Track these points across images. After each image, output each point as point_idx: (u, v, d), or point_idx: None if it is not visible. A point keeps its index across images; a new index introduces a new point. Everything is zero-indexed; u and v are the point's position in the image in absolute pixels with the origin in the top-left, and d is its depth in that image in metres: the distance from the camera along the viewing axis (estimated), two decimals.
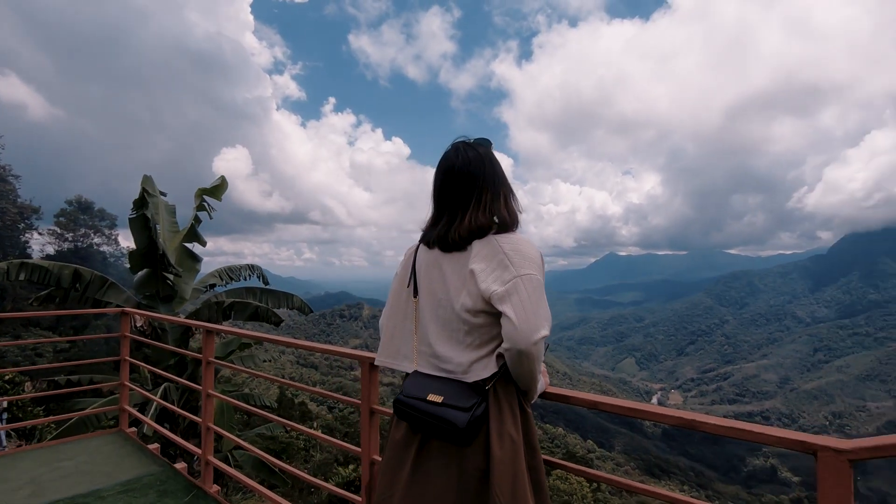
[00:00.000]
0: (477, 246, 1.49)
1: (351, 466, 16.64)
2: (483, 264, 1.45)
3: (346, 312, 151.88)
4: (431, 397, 1.45)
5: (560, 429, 60.18)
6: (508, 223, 1.54)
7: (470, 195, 1.54)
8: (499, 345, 1.46)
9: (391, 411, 2.58)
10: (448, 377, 1.49)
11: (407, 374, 1.63)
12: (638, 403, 1.63)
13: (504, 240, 1.47)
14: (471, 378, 1.46)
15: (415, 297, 1.61)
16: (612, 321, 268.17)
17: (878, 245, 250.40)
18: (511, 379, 1.47)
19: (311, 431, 2.69)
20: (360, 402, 2.36)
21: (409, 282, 1.64)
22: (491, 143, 1.64)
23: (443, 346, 1.51)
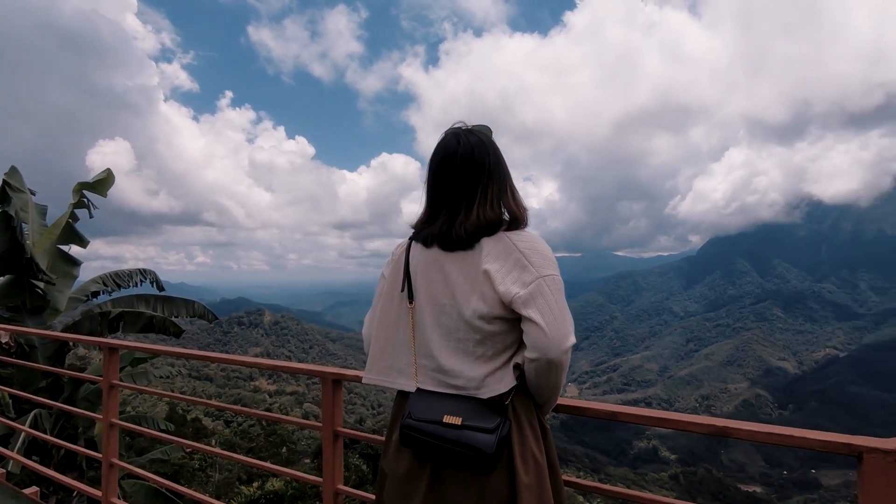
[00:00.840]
0: (487, 244, 1.30)
1: (255, 483, 15.47)
2: (497, 264, 1.27)
3: (246, 319, 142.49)
4: (448, 419, 1.23)
5: None
6: (519, 218, 1.36)
7: (475, 186, 1.34)
8: (513, 354, 1.30)
9: (362, 434, 2.29)
10: (458, 394, 1.29)
11: (405, 392, 1.40)
12: (660, 412, 1.46)
13: (517, 237, 1.30)
14: (485, 394, 1.26)
15: (410, 302, 1.39)
16: None
17: (735, 247, 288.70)
18: (528, 392, 1.32)
19: (280, 469, 2.35)
20: (321, 424, 2.08)
21: (403, 285, 1.42)
22: (491, 131, 1.45)
23: (449, 359, 1.30)
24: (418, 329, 1.37)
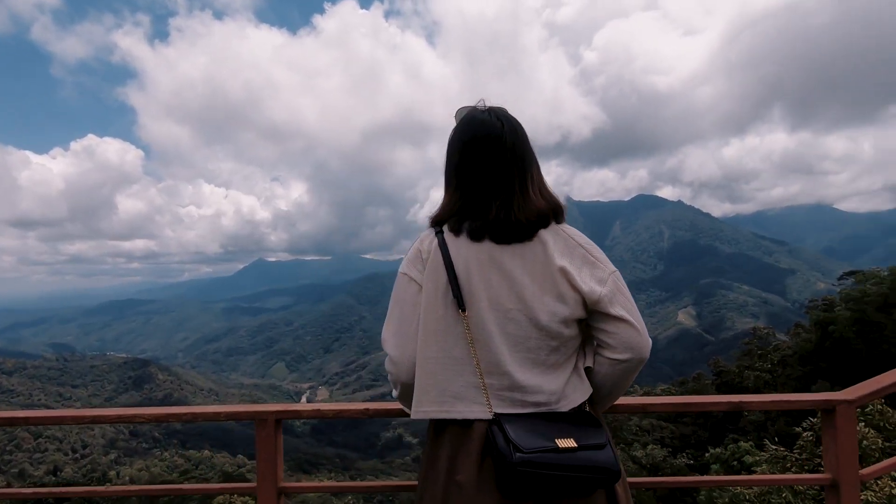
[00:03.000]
0: (546, 236, 1.17)
1: None
2: (567, 260, 1.15)
3: None
4: (562, 443, 1.05)
5: (206, 451, 54.93)
6: (562, 210, 1.23)
7: (525, 171, 1.19)
8: (579, 359, 1.20)
9: (311, 485, 2.04)
10: (538, 412, 1.13)
11: (464, 421, 1.13)
12: (688, 397, 1.68)
13: (570, 230, 1.20)
14: (565, 406, 1.15)
15: (463, 311, 1.14)
16: (261, 328, 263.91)
17: None
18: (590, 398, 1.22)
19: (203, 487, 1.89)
20: (255, 485, 1.61)
21: (451, 290, 1.15)
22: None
23: (525, 373, 1.13)
24: (480, 342, 1.14)
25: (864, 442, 5.51)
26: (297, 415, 1.75)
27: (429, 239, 1.22)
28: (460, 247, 1.17)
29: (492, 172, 1.18)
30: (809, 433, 6.31)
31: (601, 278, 1.14)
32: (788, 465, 6.30)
